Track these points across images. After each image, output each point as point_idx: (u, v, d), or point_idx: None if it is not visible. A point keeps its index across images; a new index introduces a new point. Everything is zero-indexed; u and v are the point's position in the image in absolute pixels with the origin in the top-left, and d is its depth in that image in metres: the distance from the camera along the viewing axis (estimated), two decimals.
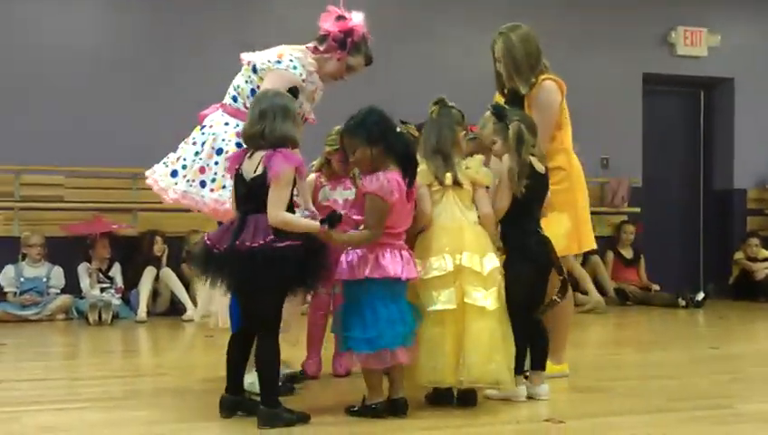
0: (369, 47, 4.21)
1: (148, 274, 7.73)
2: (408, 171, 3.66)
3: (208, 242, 3.54)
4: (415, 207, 3.77)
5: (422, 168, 3.79)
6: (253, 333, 3.58)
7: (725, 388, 4.40)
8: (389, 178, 3.57)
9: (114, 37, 8.31)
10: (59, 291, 7.69)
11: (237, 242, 3.41)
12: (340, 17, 4.16)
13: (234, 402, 3.62)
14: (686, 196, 10.43)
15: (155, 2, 8.40)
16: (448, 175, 3.81)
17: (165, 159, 4.17)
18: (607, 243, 9.24)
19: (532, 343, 3.99)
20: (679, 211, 10.36)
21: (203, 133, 4.06)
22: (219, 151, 3.97)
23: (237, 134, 3.94)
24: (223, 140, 3.99)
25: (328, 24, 4.15)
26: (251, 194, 3.50)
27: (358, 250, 3.59)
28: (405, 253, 3.64)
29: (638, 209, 9.72)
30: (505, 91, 4.59)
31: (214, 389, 4.03)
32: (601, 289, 8.81)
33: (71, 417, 3.69)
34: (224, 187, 3.91)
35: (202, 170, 3.98)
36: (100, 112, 7.99)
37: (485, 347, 3.71)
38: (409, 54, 8.88)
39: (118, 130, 7.99)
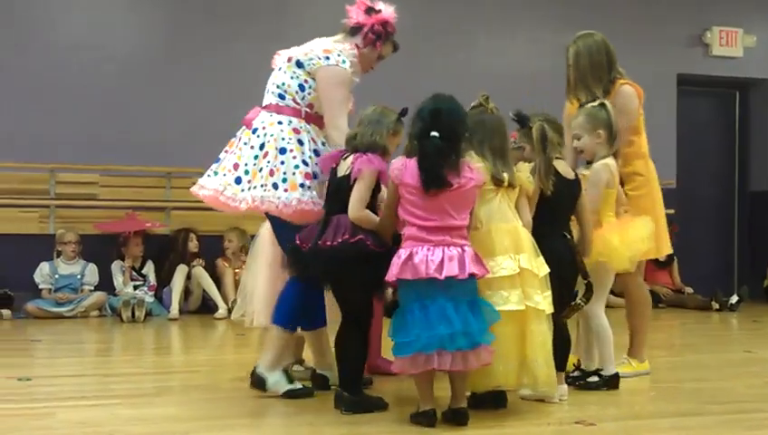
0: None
1: (180, 272, 7.79)
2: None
3: (298, 241, 3.71)
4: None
5: (478, 165, 3.67)
6: (364, 326, 3.74)
7: (759, 392, 4.34)
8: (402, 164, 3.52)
9: (149, 36, 8.38)
10: (93, 288, 7.77)
11: (320, 241, 3.60)
12: (369, 9, 4.18)
13: (324, 378, 3.94)
14: (721, 197, 10.32)
15: (188, 0, 8.47)
16: (506, 175, 3.75)
17: (210, 171, 4.13)
18: None
19: (555, 345, 3.96)
20: (713, 213, 10.26)
21: (257, 136, 4.03)
22: (283, 151, 3.96)
23: (295, 130, 3.99)
24: (283, 139, 3.98)
25: (361, 17, 4.16)
26: (336, 192, 3.73)
27: (402, 248, 3.50)
28: (451, 249, 3.46)
29: (671, 211, 9.59)
30: (577, 97, 4.57)
31: (244, 387, 4.06)
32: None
33: (103, 413, 3.73)
34: (301, 185, 3.91)
35: (271, 173, 3.95)
36: (134, 111, 8.07)
37: (547, 350, 3.70)
38: (442, 53, 8.88)
39: (151, 129, 8.06)
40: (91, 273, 7.81)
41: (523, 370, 3.70)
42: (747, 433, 3.56)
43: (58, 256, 7.82)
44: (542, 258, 3.77)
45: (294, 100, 4.05)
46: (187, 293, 7.87)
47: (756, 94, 10.34)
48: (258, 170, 3.97)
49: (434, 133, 3.46)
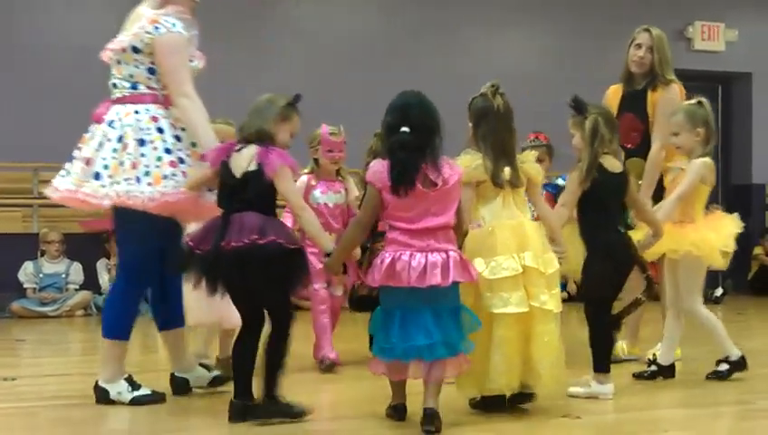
0: None
1: None
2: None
3: (190, 243, 3.46)
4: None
5: (477, 163, 3.60)
6: (256, 332, 3.51)
7: (745, 384, 4.37)
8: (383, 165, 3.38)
9: None
10: (78, 287, 7.75)
11: (222, 242, 3.34)
12: None
13: (244, 408, 3.48)
14: None
15: None
16: (507, 171, 3.61)
17: (63, 171, 3.90)
18: None
19: (597, 342, 3.93)
20: None
21: (114, 128, 3.81)
22: (142, 142, 3.76)
23: (153, 118, 3.80)
24: (141, 129, 3.78)
25: None
26: (240, 190, 3.46)
27: (385, 252, 3.37)
28: (434, 255, 3.32)
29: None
30: (629, 86, 5.05)
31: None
32: None
33: (88, 412, 3.71)
34: (164, 177, 3.72)
35: (134, 166, 3.74)
36: None
37: (554, 352, 3.60)
38: (423, 51, 8.90)
39: None
40: (76, 272, 7.78)
41: (527, 371, 3.59)
42: (738, 423, 3.59)
43: (42, 256, 7.79)
44: (551, 254, 3.65)
45: (148, 86, 3.85)
46: None
47: (738, 88, 10.40)
48: (119, 164, 3.76)
49: (403, 128, 3.33)
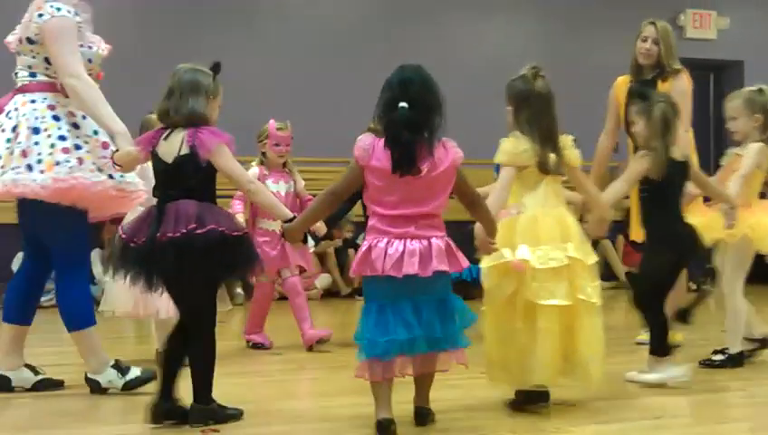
0: None
1: None
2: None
3: (124, 236, 3.27)
4: (459, 190, 3.25)
5: (525, 147, 3.49)
6: (187, 330, 3.34)
7: (737, 371, 4.40)
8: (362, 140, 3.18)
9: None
10: None
11: (158, 234, 3.16)
12: None
13: (167, 410, 3.32)
14: None
15: None
16: (552, 157, 3.52)
17: None
18: (617, 227, 9.21)
19: (656, 330, 3.97)
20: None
21: (10, 118, 3.81)
22: (36, 131, 3.74)
23: (50, 107, 3.79)
24: (36, 118, 3.76)
25: None
26: (173, 177, 3.28)
27: (364, 240, 3.20)
28: (413, 242, 3.08)
29: None
30: (638, 77, 5.27)
31: (222, 373, 4.06)
32: (612, 274, 8.81)
33: (83, 403, 3.72)
34: (57, 163, 3.69)
35: (24, 154, 3.71)
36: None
37: (599, 345, 3.51)
38: (415, 38, 8.89)
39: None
40: None
41: (571, 366, 3.49)
42: (731, 411, 3.62)
43: None
44: (589, 246, 3.55)
45: (46, 75, 3.84)
46: None
47: (730, 76, 10.42)
48: (10, 153, 3.73)
49: (402, 104, 3.08)
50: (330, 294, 8.67)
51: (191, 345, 3.31)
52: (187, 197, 3.23)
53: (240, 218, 5.07)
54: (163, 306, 4.21)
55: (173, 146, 3.29)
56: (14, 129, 3.76)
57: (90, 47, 3.89)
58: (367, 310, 3.17)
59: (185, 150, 3.25)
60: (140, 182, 3.97)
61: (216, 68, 3.38)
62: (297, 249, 5.18)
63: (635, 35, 5.38)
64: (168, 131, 3.32)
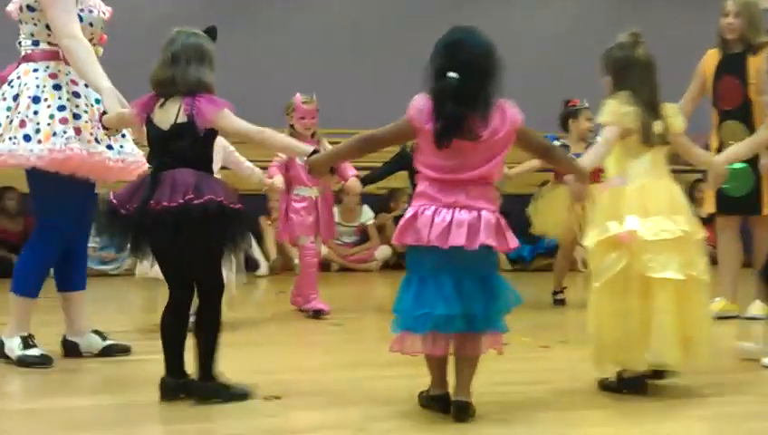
0: None
1: None
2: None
3: (114, 201, 3.12)
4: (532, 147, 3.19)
5: (628, 109, 3.34)
6: (186, 303, 3.23)
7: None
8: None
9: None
10: None
11: (152, 202, 3.03)
12: None
13: (176, 386, 3.22)
14: None
15: None
16: (658, 124, 3.37)
17: None
18: None
19: None
20: None
21: (12, 87, 3.81)
22: (36, 100, 3.73)
23: (52, 76, 3.80)
24: (37, 87, 3.76)
25: None
26: (169, 144, 3.15)
27: (410, 206, 3.04)
28: (462, 212, 2.91)
29: None
30: (726, 50, 5.33)
31: (284, 341, 4.13)
32: None
33: (151, 368, 3.80)
34: (54, 134, 3.68)
35: (23, 124, 3.70)
36: None
37: (709, 326, 3.37)
38: (468, 15, 8.81)
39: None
40: None
41: (686, 347, 3.30)
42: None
43: None
44: (697, 219, 3.40)
45: (49, 42, 3.83)
46: None
47: None
48: (9, 122, 3.73)
49: (450, 74, 2.88)
50: (388, 265, 8.71)
51: (200, 319, 3.20)
52: (182, 166, 3.10)
53: (278, 181, 5.27)
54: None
55: (169, 113, 3.16)
56: (16, 97, 3.77)
57: (90, 11, 3.91)
58: (407, 281, 3.02)
59: (182, 119, 3.14)
60: (140, 153, 3.97)
61: (212, 33, 3.27)
62: (324, 182, 5.36)
63: (710, 10, 5.44)
64: (163, 99, 3.18)
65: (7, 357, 3.85)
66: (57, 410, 3.15)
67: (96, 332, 4.10)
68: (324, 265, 8.35)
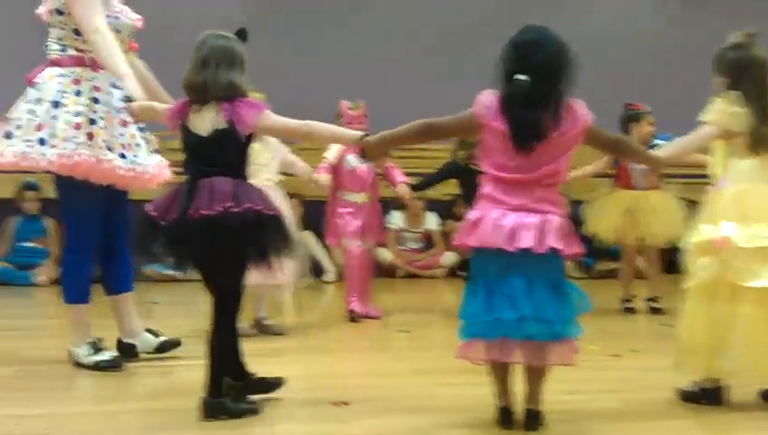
0: None
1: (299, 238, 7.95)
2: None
3: (153, 213, 3.08)
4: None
5: (736, 110, 3.24)
6: (236, 312, 3.21)
7: None
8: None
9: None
10: None
11: (190, 211, 2.98)
12: None
13: (239, 388, 3.20)
14: None
15: None
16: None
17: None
18: None
19: None
20: None
21: (37, 90, 3.84)
22: (57, 105, 3.77)
23: (75, 81, 3.81)
24: (58, 91, 3.79)
25: None
26: (207, 151, 3.10)
27: (474, 209, 2.97)
28: (530, 215, 2.86)
29: None
30: None
31: (351, 347, 4.14)
32: None
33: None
34: (66, 139, 3.71)
35: (39, 128, 3.75)
36: None
37: None
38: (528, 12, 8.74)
39: None
40: None
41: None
42: None
43: None
44: None
45: (76, 48, 3.85)
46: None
47: None
48: (28, 125, 3.78)
49: (519, 76, 2.84)
50: (454, 272, 8.67)
51: (211, 332, 3.15)
52: (220, 173, 3.07)
53: (323, 179, 5.34)
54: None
55: (207, 119, 3.10)
56: (38, 101, 3.81)
57: (116, 17, 3.94)
58: (473, 287, 2.95)
59: (222, 125, 3.08)
60: (158, 163, 4.01)
61: (243, 35, 3.20)
62: (378, 165, 5.42)
63: None
64: (198, 104, 3.13)
65: (81, 364, 3.93)
66: (123, 413, 3.21)
67: (148, 330, 4.18)
68: (390, 272, 8.41)
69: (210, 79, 3.08)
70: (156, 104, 3.50)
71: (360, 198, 5.60)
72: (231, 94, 3.09)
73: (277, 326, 5.02)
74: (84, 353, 3.90)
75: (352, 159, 5.52)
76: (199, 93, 3.11)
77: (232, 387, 3.14)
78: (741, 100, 3.25)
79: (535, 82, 2.84)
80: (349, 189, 5.60)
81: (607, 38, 8.81)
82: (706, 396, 3.30)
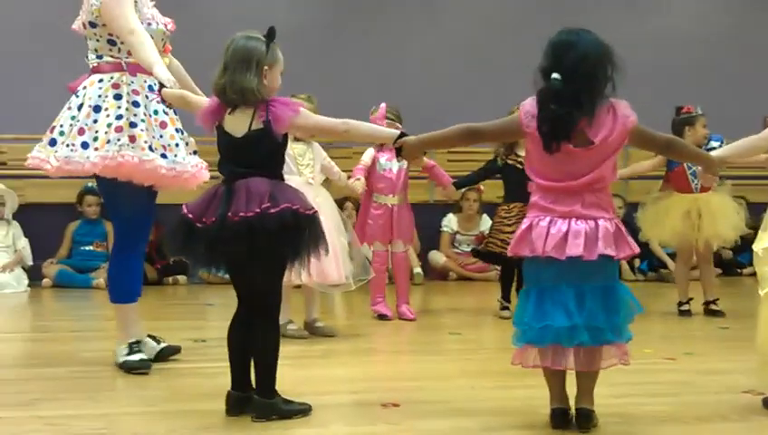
0: None
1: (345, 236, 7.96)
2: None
3: (190, 215, 3.07)
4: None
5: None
6: (252, 316, 3.16)
7: None
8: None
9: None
10: None
11: (229, 213, 2.99)
12: None
13: (240, 399, 3.18)
14: None
15: None
16: None
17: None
18: None
19: None
20: None
21: (78, 97, 3.92)
22: (97, 109, 3.84)
23: (114, 86, 3.86)
24: (99, 96, 3.86)
25: None
26: (243, 152, 3.11)
27: (525, 218, 2.99)
28: (579, 223, 2.86)
29: None
30: None
31: (402, 349, 4.14)
32: None
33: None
34: (108, 141, 3.76)
35: (81, 132, 3.81)
36: None
37: None
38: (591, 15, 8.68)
39: None
40: None
41: None
42: None
43: None
44: None
45: (111, 55, 3.92)
46: None
47: None
48: (71, 130, 3.85)
49: (555, 75, 2.85)
50: None
51: (255, 333, 3.13)
52: (256, 174, 3.07)
53: (358, 185, 5.44)
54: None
55: (242, 120, 3.11)
56: (80, 107, 3.88)
57: (149, 24, 3.99)
58: (526, 294, 2.99)
59: (257, 125, 3.09)
60: (197, 163, 4.04)
61: (270, 35, 3.15)
62: (414, 164, 5.43)
63: None
64: (232, 106, 3.14)
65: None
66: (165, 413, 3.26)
67: (150, 336, 4.22)
68: (442, 274, 8.40)
69: (228, 83, 3.09)
70: (188, 94, 3.55)
71: (390, 200, 5.64)
72: (244, 100, 3.09)
73: (329, 328, 5.04)
74: (120, 353, 3.98)
75: (384, 162, 5.59)
76: (222, 96, 3.13)
77: (237, 399, 3.17)
78: None
79: (567, 82, 2.84)
80: (379, 191, 5.66)
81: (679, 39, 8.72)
82: None
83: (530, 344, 2.96)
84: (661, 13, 9.20)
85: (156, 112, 3.92)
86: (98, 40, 3.95)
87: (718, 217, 5.75)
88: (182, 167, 3.95)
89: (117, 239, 4.10)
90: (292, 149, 4.80)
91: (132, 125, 3.84)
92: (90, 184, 7.76)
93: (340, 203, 8.15)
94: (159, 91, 3.66)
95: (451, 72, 8.74)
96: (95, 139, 3.80)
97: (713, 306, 5.92)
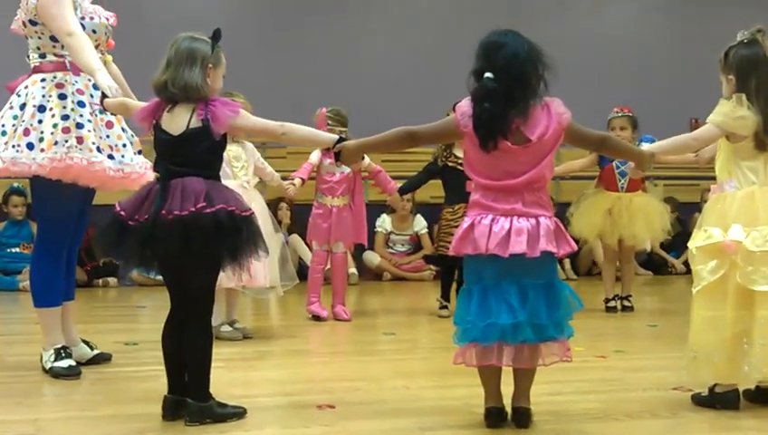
0: None
1: (276, 240, 7.93)
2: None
3: (122, 213, 3.02)
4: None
5: (742, 113, 3.22)
6: (210, 314, 3.14)
7: None
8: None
9: None
10: None
11: (163, 211, 2.95)
12: None
13: (176, 403, 3.12)
14: None
15: None
16: None
17: None
18: None
19: None
20: None
21: (19, 96, 3.85)
22: (42, 109, 3.78)
23: (58, 85, 3.82)
24: (43, 96, 3.80)
25: None
26: (179, 151, 3.07)
27: (466, 216, 3.00)
28: (521, 220, 2.90)
29: None
30: None
31: (337, 350, 4.15)
32: None
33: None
34: (56, 143, 3.71)
35: (26, 133, 3.75)
36: None
37: None
38: (527, 17, 8.80)
39: None
40: None
41: None
42: None
43: None
44: None
45: (55, 54, 3.87)
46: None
47: None
48: (14, 131, 3.77)
49: (487, 75, 2.88)
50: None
51: (188, 336, 3.08)
52: (192, 173, 3.03)
53: (292, 190, 5.47)
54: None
55: (180, 119, 3.08)
56: (23, 107, 3.82)
57: (91, 18, 3.95)
58: (467, 292, 2.99)
59: (196, 123, 3.06)
60: (143, 163, 4.00)
61: (215, 36, 3.15)
62: (353, 169, 5.45)
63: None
64: (171, 104, 3.11)
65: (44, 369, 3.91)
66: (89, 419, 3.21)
67: (84, 341, 4.17)
68: (377, 275, 8.42)
69: (170, 79, 3.07)
70: (128, 101, 3.51)
71: (332, 201, 5.65)
72: (188, 97, 3.07)
73: (246, 330, 5.01)
74: (47, 359, 3.90)
75: (328, 164, 5.59)
76: (162, 93, 3.10)
77: (174, 402, 3.12)
78: (747, 101, 3.24)
79: (500, 81, 2.87)
80: (321, 192, 5.68)
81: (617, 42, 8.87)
82: (720, 401, 3.26)
83: (473, 343, 2.96)
84: (600, 15, 9.38)
85: (101, 112, 3.85)
86: (40, 37, 3.88)
87: (637, 218, 5.91)
88: (130, 168, 3.90)
89: (37, 242, 4.00)
90: (227, 151, 4.74)
91: (79, 126, 3.78)
92: (15, 184, 7.59)
93: (275, 204, 8.16)
94: (101, 100, 3.59)
95: (403, 73, 8.77)
96: (41, 139, 3.74)
97: (625, 302, 6.15)
